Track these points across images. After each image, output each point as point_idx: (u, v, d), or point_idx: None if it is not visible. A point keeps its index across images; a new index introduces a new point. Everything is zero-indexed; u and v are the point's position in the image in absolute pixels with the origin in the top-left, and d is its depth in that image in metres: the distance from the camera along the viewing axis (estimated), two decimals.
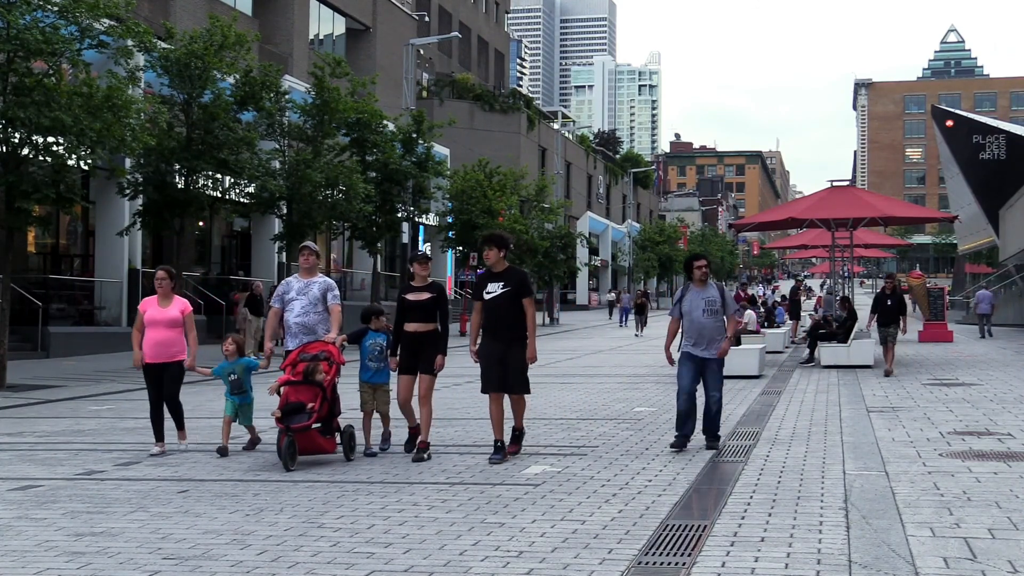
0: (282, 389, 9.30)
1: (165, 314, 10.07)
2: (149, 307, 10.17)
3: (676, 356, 10.07)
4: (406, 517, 7.06)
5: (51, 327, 24.34)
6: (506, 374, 9.20)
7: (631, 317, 42.50)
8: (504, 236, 9.50)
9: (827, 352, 20.07)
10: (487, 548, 6.19)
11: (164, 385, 10.09)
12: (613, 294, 59.46)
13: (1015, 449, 9.63)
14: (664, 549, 6.07)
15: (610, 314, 56.20)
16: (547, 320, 48.65)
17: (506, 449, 9.41)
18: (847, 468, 8.69)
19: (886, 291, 19.17)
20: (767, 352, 20.80)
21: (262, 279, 30.36)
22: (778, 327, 29.39)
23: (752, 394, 15.10)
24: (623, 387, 16.37)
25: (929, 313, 30.63)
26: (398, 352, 9.57)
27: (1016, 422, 11.52)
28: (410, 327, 9.44)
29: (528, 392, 9.45)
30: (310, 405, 9.12)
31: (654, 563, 5.78)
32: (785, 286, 64.06)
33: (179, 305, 10.20)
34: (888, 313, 18.82)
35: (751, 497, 7.53)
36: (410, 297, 9.50)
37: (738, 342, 20.31)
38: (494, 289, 9.20)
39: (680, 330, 10.16)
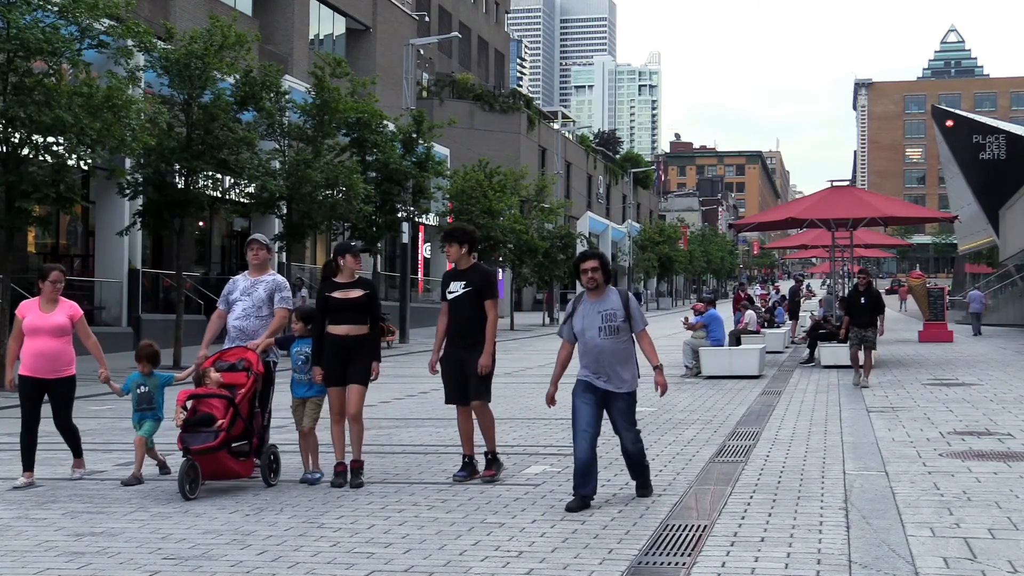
0: (189, 403, 8.04)
1: (49, 320, 8.47)
2: (29, 312, 8.54)
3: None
4: (406, 517, 7.06)
5: None
6: (465, 382, 8.32)
7: None
8: (468, 230, 8.58)
9: (827, 352, 20.06)
10: (487, 548, 6.19)
11: (53, 409, 8.62)
12: None
13: (1015, 449, 9.63)
14: (664, 549, 6.07)
15: None
16: (547, 320, 48.64)
17: (476, 469, 8.52)
18: (847, 468, 8.69)
19: (859, 288, 16.99)
20: (767, 352, 20.80)
21: None
22: (778, 327, 29.40)
23: (752, 394, 15.10)
24: None
25: (929, 313, 30.62)
26: (322, 360, 8.29)
27: (1016, 422, 11.52)
28: (339, 330, 8.20)
29: (487, 399, 8.37)
30: (219, 421, 7.85)
31: (654, 563, 5.78)
32: (785, 286, 64.03)
33: (66, 309, 8.62)
34: (862, 314, 16.66)
35: (751, 497, 7.53)
36: (338, 295, 8.25)
37: (738, 342, 20.37)
38: (456, 289, 8.34)
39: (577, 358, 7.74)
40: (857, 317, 16.69)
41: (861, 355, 16.46)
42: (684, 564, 5.72)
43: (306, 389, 8.51)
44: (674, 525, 6.67)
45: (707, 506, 7.33)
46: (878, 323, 16.81)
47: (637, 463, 7.62)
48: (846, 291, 26.92)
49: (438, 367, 8.55)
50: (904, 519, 6.72)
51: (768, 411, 12.94)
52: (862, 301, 16.71)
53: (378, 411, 13.47)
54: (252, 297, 8.63)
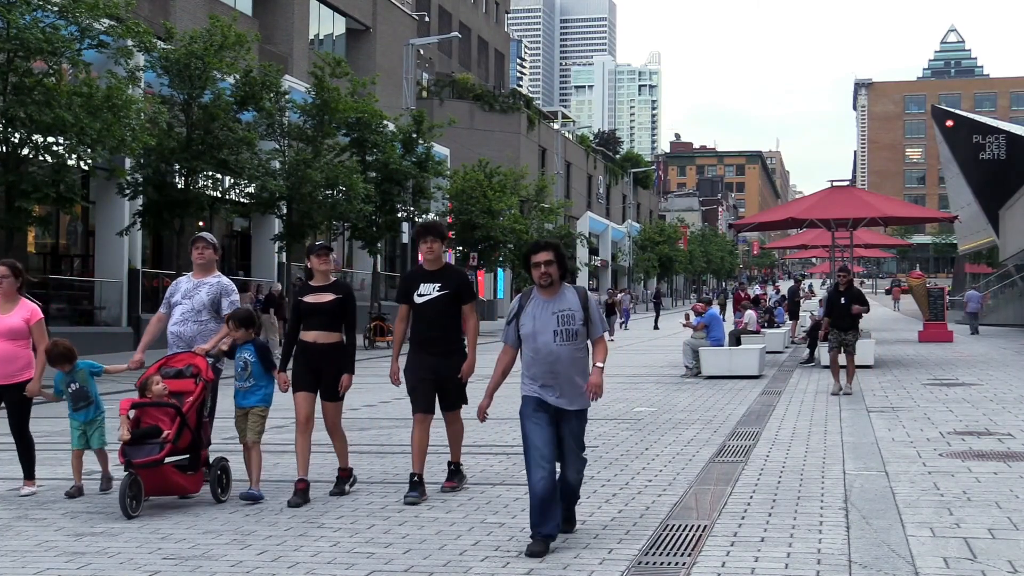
0: (132, 413, 7.48)
1: (4, 322, 8.02)
2: None
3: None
4: (406, 517, 7.06)
5: (51, 327, 24.18)
6: (441, 391, 7.81)
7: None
8: (444, 228, 8.14)
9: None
10: (487, 548, 6.19)
11: (8, 414, 8.11)
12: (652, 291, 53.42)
13: (1015, 449, 9.63)
14: (664, 549, 6.07)
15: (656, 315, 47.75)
16: None
17: (424, 486, 7.71)
18: (847, 468, 8.69)
19: (840, 287, 15.74)
20: (767, 352, 20.79)
21: (261, 279, 30.38)
22: (778, 327, 29.41)
23: (752, 394, 15.09)
24: (623, 387, 16.35)
25: (929, 313, 30.63)
26: (288, 367, 7.88)
27: (1016, 422, 11.52)
28: (308, 336, 7.70)
29: (465, 403, 7.95)
30: (165, 433, 7.32)
31: (654, 563, 5.78)
32: (785, 286, 64.04)
33: (24, 311, 8.14)
34: (843, 315, 15.41)
35: (751, 497, 7.53)
36: (309, 299, 7.72)
37: (738, 342, 20.36)
38: (428, 291, 7.70)
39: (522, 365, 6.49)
40: (837, 319, 15.46)
41: (842, 358, 15.24)
42: (684, 564, 5.72)
43: (244, 397, 7.83)
44: (674, 525, 6.67)
45: (707, 506, 7.33)
46: (858, 324, 15.74)
47: (572, 494, 6.48)
48: None
49: (402, 377, 7.86)
50: (904, 519, 6.72)
51: (768, 411, 12.94)
52: (842, 301, 15.52)
53: (378, 411, 13.48)
54: (192, 300, 8.01)
